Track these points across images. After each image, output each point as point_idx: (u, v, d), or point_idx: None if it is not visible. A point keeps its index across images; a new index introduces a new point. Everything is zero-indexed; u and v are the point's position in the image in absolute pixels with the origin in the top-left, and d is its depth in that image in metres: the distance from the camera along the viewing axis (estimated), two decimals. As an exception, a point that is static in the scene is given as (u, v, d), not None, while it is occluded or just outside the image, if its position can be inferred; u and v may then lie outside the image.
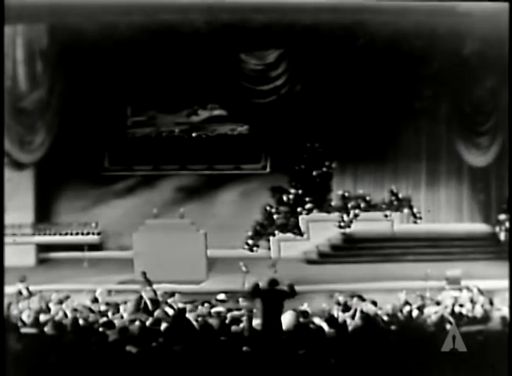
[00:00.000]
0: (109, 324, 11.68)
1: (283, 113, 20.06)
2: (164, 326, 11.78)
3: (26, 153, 19.04)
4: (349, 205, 21.38)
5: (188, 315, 12.59)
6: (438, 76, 19.41)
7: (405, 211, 21.48)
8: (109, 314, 13.37)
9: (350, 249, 20.71)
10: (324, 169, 21.64)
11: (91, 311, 13.57)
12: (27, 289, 15.22)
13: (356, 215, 21.21)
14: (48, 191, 21.43)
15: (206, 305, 14.13)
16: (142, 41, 18.95)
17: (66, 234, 20.72)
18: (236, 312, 13.60)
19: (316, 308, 13.71)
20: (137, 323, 11.88)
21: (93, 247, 20.69)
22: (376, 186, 21.90)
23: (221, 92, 19.86)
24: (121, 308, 13.76)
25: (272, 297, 12.17)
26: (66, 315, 13.03)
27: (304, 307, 13.48)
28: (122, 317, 13.20)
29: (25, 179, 20.66)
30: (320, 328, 11.35)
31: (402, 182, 21.87)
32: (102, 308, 13.96)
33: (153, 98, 21.31)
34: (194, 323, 12.01)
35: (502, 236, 20.49)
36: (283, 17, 18.30)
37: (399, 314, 13.03)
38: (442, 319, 11.86)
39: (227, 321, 12.39)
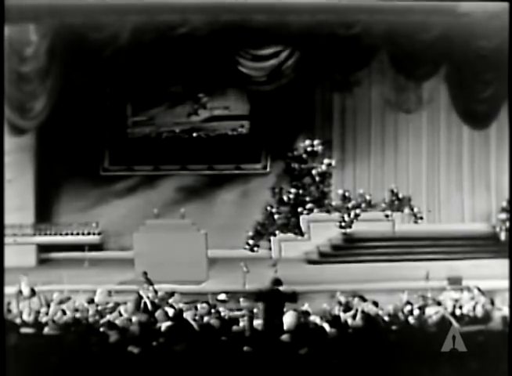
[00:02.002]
0: (110, 324, 11.69)
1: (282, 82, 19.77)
2: (164, 326, 11.78)
3: (26, 120, 18.82)
4: (350, 205, 21.38)
5: (188, 315, 12.58)
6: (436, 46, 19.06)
7: (406, 211, 21.48)
8: (107, 314, 13.37)
9: (351, 249, 20.72)
10: (324, 168, 21.64)
11: (91, 311, 13.57)
12: (32, 289, 15.19)
13: (357, 215, 21.20)
14: (48, 190, 21.45)
15: (206, 305, 14.11)
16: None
17: (67, 234, 20.74)
18: (236, 312, 13.61)
19: (317, 308, 13.70)
20: (137, 323, 11.88)
21: (94, 247, 20.71)
22: (377, 184, 21.90)
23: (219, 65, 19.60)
24: (121, 308, 13.74)
25: (274, 297, 12.19)
26: (66, 315, 13.02)
27: (305, 307, 13.47)
28: (121, 315, 13.19)
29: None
30: (321, 328, 11.34)
31: (403, 178, 21.86)
32: (100, 308, 13.95)
33: (154, 94, 21.46)
34: (194, 323, 12.01)
35: (503, 235, 20.49)
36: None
37: (400, 314, 13.03)
38: (443, 320, 11.85)
39: (227, 321, 12.39)
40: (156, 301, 14.25)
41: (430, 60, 18.68)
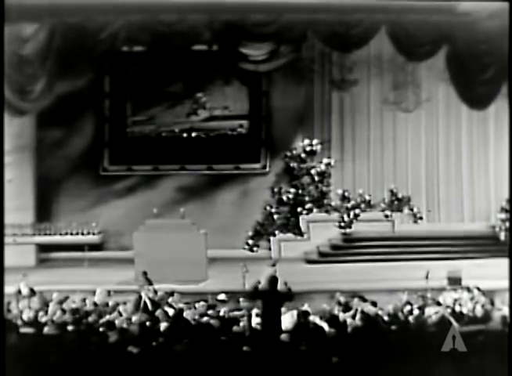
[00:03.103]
0: (110, 324, 11.69)
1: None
2: (164, 326, 11.78)
3: (27, 102, 18.76)
4: (349, 205, 21.35)
5: (188, 315, 12.58)
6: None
7: (406, 211, 21.46)
8: (107, 314, 13.36)
9: (350, 249, 20.70)
10: (323, 167, 21.62)
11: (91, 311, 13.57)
12: (31, 289, 15.19)
13: (356, 215, 21.18)
14: (48, 190, 21.43)
15: (205, 304, 14.12)
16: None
17: (67, 234, 20.72)
18: (235, 312, 13.60)
19: (317, 308, 13.68)
20: (137, 323, 11.89)
21: (93, 247, 20.70)
22: (376, 184, 21.88)
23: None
24: (121, 308, 13.74)
25: (272, 297, 12.18)
26: (66, 315, 13.01)
27: (305, 307, 13.47)
28: (121, 315, 13.18)
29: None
30: (320, 328, 11.35)
31: (402, 178, 21.84)
32: (100, 308, 13.94)
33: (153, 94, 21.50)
34: (194, 322, 12.01)
35: (503, 235, 20.48)
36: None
37: (400, 314, 13.03)
38: (443, 320, 11.86)
39: (226, 321, 12.39)
40: (156, 299, 14.25)
41: (431, 40, 18.58)
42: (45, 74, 18.33)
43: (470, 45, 18.38)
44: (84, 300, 14.33)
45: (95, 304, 14.20)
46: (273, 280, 12.44)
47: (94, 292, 14.91)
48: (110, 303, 14.30)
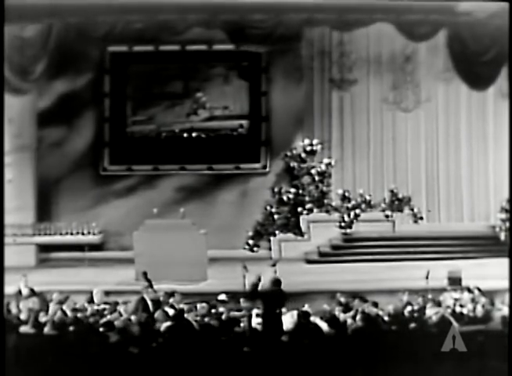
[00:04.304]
0: (110, 325, 11.68)
1: None
2: (164, 326, 11.77)
3: (27, 82, 18.74)
4: (349, 205, 21.34)
5: (188, 315, 12.57)
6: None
7: (406, 211, 21.44)
8: (108, 314, 13.36)
9: (351, 249, 20.69)
10: (323, 167, 21.62)
11: (91, 311, 13.56)
12: (31, 290, 15.18)
13: (357, 215, 21.16)
14: (48, 190, 21.42)
15: (206, 305, 14.09)
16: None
17: (67, 234, 20.72)
18: (236, 313, 13.59)
19: (317, 308, 13.67)
20: (137, 323, 11.88)
21: (93, 247, 20.69)
22: (376, 184, 21.87)
23: None
24: (121, 308, 13.73)
25: (273, 298, 12.19)
26: (66, 315, 13.01)
27: (305, 308, 13.46)
28: (121, 315, 13.18)
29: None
30: (321, 329, 11.34)
31: (402, 178, 21.83)
32: (100, 308, 13.94)
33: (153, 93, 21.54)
34: (194, 323, 12.00)
35: (503, 235, 20.47)
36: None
37: (401, 315, 13.02)
38: (443, 320, 11.86)
39: (227, 321, 12.39)
40: (157, 300, 14.24)
41: (430, 21, 18.57)
42: (45, 55, 18.36)
43: (471, 26, 18.38)
44: (90, 301, 14.33)
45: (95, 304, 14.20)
46: (277, 282, 12.44)
47: (91, 293, 14.88)
48: (109, 303, 14.29)
